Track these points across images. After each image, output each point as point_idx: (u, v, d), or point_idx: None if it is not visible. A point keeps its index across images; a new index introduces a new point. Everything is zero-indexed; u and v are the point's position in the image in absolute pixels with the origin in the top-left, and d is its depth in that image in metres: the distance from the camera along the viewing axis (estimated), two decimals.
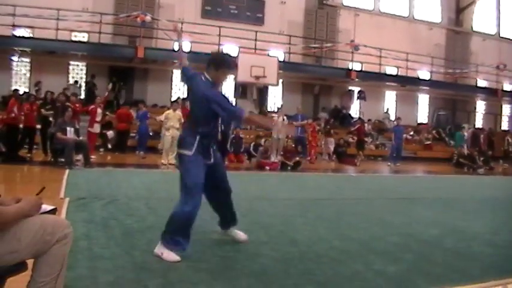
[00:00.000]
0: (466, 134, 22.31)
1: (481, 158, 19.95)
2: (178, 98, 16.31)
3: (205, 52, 20.05)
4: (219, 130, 4.86)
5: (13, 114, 13.08)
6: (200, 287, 3.71)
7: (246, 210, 7.10)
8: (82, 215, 6.05)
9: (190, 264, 4.20)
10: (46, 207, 2.68)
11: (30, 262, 2.52)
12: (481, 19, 30.09)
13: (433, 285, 4.00)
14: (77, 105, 15.05)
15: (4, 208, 2.39)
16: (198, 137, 4.62)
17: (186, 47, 21.28)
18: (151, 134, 17.70)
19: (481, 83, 28.77)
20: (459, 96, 28.80)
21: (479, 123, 30.05)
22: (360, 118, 23.94)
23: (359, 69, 24.17)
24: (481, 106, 30.95)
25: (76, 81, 21.12)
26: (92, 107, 14.73)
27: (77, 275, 3.71)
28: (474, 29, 29.83)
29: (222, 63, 4.74)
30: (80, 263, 4.01)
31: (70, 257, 2.71)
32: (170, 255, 4.31)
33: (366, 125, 23.44)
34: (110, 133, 17.60)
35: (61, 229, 2.53)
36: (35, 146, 14.36)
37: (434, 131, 26.52)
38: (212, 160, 4.76)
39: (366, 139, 21.95)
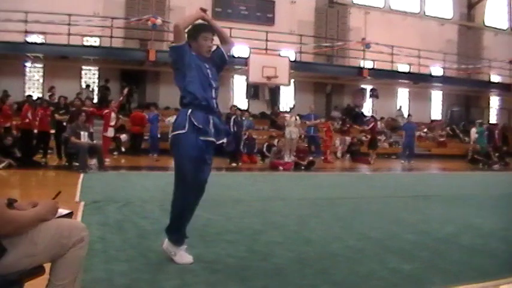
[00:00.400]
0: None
1: (496, 154, 19.80)
2: None
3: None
4: (212, 96, 4.33)
5: (27, 120, 13.22)
6: (216, 287, 3.72)
7: (259, 211, 7.12)
8: (97, 218, 6.09)
9: (205, 266, 4.21)
10: (62, 211, 2.70)
11: (47, 266, 2.55)
12: (493, 14, 29.87)
13: (450, 283, 3.96)
14: (92, 109, 15.18)
15: (21, 212, 2.42)
16: (189, 110, 4.21)
17: None
18: (159, 136, 17.74)
19: (494, 78, 28.52)
20: (472, 92, 28.59)
21: (493, 118, 29.81)
22: (372, 116, 23.89)
23: (371, 67, 24.09)
24: (494, 101, 30.71)
25: (88, 85, 21.22)
26: (106, 111, 14.81)
27: (94, 278, 3.74)
28: (486, 24, 29.63)
29: (196, 30, 4.39)
30: (96, 265, 4.03)
31: (86, 260, 2.73)
32: (183, 258, 4.22)
33: (378, 123, 23.39)
34: (124, 136, 17.71)
35: (77, 232, 2.56)
36: (49, 151, 14.49)
37: (448, 128, 26.35)
38: (213, 137, 4.21)
39: (379, 137, 21.90)
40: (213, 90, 4.35)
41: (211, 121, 4.23)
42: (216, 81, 4.41)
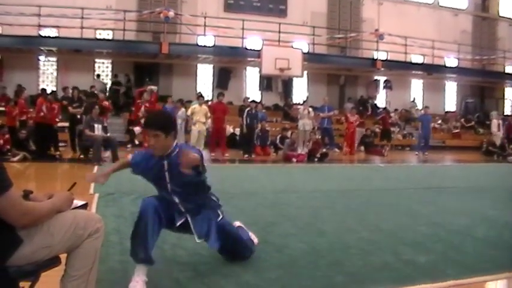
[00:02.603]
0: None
1: (511, 146, 19.64)
2: (199, 93, 16.50)
3: (229, 46, 20.29)
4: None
5: (42, 113, 13.30)
6: (230, 279, 3.74)
7: (273, 203, 7.13)
8: (112, 210, 6.14)
9: (220, 257, 4.23)
10: (77, 202, 2.73)
11: (63, 257, 2.57)
12: (508, 4, 29.49)
13: (464, 275, 3.95)
14: (105, 102, 15.34)
15: (37, 204, 2.44)
16: None
17: (210, 41, 21.36)
18: None
19: (509, 69, 28.20)
20: (487, 83, 28.29)
21: (508, 110, 29.53)
22: (384, 108, 23.77)
23: (384, 58, 23.92)
24: (509, 93, 30.37)
25: (98, 75, 21.25)
26: (138, 101, 15.20)
27: (109, 269, 3.78)
28: (501, 14, 29.28)
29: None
30: (111, 256, 4.07)
31: (102, 251, 2.75)
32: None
33: (392, 114, 23.31)
34: (137, 129, 17.77)
35: (93, 223, 2.58)
36: (63, 144, 14.61)
37: (462, 119, 26.15)
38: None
39: (392, 129, 21.84)
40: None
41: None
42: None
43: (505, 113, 27.63)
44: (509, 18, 29.40)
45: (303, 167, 13.58)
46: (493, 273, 4.04)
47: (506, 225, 5.89)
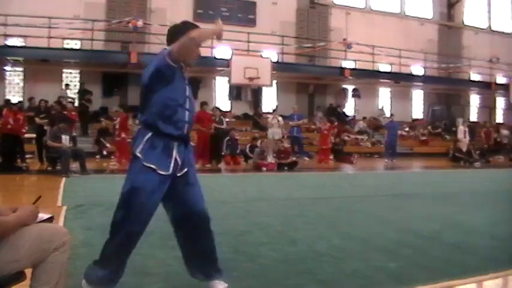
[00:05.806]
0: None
1: (477, 152, 20.01)
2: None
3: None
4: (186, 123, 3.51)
5: (9, 126, 13.04)
6: None
7: (244, 212, 7.12)
8: (80, 222, 6.03)
9: None
10: (43, 215, 2.68)
11: (28, 272, 2.52)
12: (472, 13, 30.18)
13: (433, 280, 3.99)
14: (73, 113, 15.14)
15: (2, 218, 2.39)
16: (149, 134, 3.40)
17: None
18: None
19: (474, 76, 28.82)
20: (453, 91, 28.86)
21: (473, 117, 30.12)
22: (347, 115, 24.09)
23: (352, 67, 24.21)
24: (475, 100, 31.01)
25: (67, 85, 20.69)
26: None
27: (77, 283, 3.69)
28: (466, 23, 29.93)
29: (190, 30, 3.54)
30: (79, 270, 3.97)
31: (69, 265, 2.70)
32: None
33: (360, 122, 23.61)
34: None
35: (59, 237, 2.53)
36: (30, 155, 14.36)
37: (429, 126, 26.55)
38: (170, 171, 3.40)
39: (361, 137, 22.11)
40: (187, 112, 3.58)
41: (174, 156, 3.45)
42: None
43: (471, 120, 28.17)
44: (474, 27, 30.05)
45: (273, 176, 13.60)
46: (461, 278, 4.08)
47: (473, 230, 5.98)
